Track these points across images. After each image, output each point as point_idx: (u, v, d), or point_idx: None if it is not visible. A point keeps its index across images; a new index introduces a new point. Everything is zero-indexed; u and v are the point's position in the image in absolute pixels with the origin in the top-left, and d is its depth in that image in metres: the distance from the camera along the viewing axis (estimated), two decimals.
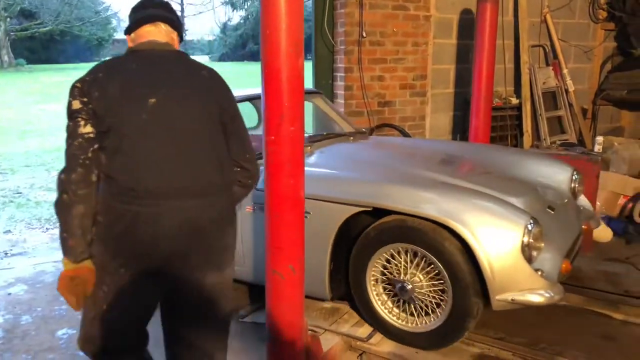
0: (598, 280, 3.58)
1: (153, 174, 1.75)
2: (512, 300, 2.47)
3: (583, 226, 3.17)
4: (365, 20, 4.82)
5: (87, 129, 1.72)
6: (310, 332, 2.63)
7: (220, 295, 1.95)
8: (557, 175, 3.30)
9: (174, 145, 1.78)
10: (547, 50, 5.64)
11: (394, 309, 2.81)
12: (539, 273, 2.50)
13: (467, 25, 5.17)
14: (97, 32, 35.80)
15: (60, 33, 33.83)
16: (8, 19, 33.49)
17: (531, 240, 2.48)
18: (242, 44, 31.81)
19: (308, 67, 5.37)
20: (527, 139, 5.32)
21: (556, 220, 2.86)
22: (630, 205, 4.58)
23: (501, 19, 5.27)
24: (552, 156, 3.68)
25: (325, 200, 2.78)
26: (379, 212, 2.74)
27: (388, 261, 2.77)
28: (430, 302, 2.69)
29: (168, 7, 1.95)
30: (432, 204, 2.57)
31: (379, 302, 2.83)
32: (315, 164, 3.18)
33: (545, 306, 2.55)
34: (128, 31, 1.90)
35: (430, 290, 2.68)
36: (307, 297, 2.95)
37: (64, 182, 1.71)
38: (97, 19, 35.62)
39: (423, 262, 2.67)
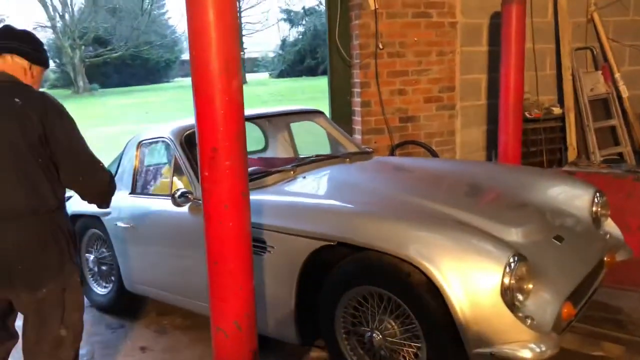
0: None
1: None
2: (492, 354, 2.02)
3: (606, 258, 2.64)
4: (383, 30, 4.45)
5: None
6: None
7: (36, 314, 2.01)
8: (576, 198, 2.81)
9: None
10: (595, 52, 5.01)
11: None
12: (528, 321, 2.03)
13: (499, 30, 4.67)
14: (164, 54, 37.24)
15: (130, 57, 35.49)
16: (83, 47, 35.60)
17: (513, 281, 2.03)
18: (300, 60, 31.91)
19: (324, 84, 5.07)
20: (572, 154, 4.72)
21: (563, 253, 2.40)
22: None
23: (538, 21, 4.75)
24: (575, 176, 3.19)
25: (288, 233, 2.44)
26: (355, 247, 2.34)
27: (357, 308, 2.38)
28: (407, 353, 2.28)
29: (9, 35, 2.05)
30: (397, 239, 2.18)
31: (351, 353, 2.45)
32: (292, 191, 2.85)
33: None
34: None
35: (404, 341, 2.28)
36: (277, 339, 2.67)
37: None
38: (163, 41, 37.09)
39: (394, 308, 2.27)
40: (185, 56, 46.96)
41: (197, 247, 2.72)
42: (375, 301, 2.32)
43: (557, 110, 4.86)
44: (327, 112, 4.82)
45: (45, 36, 38.20)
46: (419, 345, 2.23)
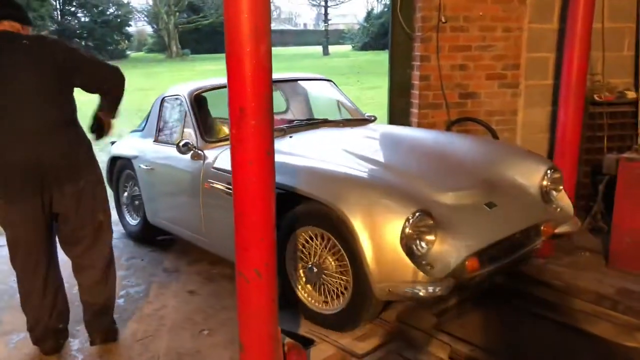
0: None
1: None
2: (389, 290, 2.49)
3: (542, 227, 2.97)
4: (447, 3, 4.39)
5: None
6: (289, 341, 2.46)
7: (78, 204, 2.59)
8: (529, 171, 3.17)
9: (14, 104, 2.43)
10: None
11: (309, 288, 2.93)
12: (427, 267, 2.46)
13: None
14: None
15: (220, 25, 36.35)
16: (177, 13, 36.98)
17: (410, 231, 2.46)
18: (384, 32, 31.40)
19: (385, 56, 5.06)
20: None
21: (487, 217, 2.77)
22: None
23: None
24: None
25: None
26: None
27: (304, 244, 2.88)
28: (339, 285, 2.76)
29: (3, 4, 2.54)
30: (332, 192, 2.65)
31: (296, 280, 2.96)
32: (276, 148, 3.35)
33: None
34: None
35: (338, 274, 2.75)
36: None
37: None
38: None
39: (332, 246, 2.73)
40: (273, 26, 47.72)
41: (194, 189, 3.41)
42: (318, 241, 2.80)
43: (631, 95, 4.59)
44: (386, 86, 4.86)
45: (144, 1, 39.88)
46: (347, 279, 2.68)
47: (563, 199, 3.20)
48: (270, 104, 2.07)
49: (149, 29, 44.01)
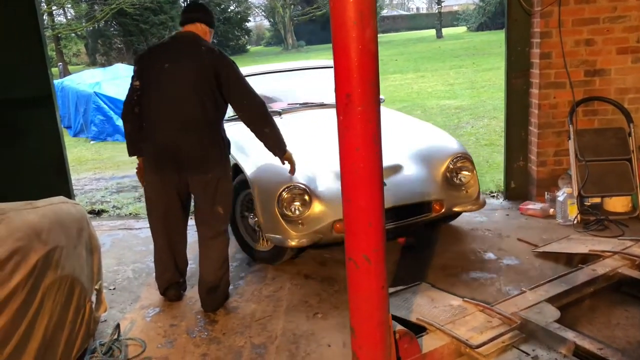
0: None
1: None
2: (269, 240, 3.54)
3: (433, 204, 3.55)
4: None
5: (136, 82, 3.01)
6: (401, 328, 2.44)
7: (204, 192, 3.07)
8: (437, 157, 3.66)
9: (173, 96, 2.94)
10: None
11: (253, 234, 3.83)
12: (299, 226, 3.35)
13: None
14: None
15: None
16: (292, 6, 37.94)
17: (283, 198, 3.36)
18: (502, 11, 29.78)
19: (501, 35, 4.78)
20: None
21: None
22: None
23: None
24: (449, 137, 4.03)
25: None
26: None
27: (250, 202, 3.69)
28: None
29: (197, 9, 3.11)
30: (249, 166, 3.64)
31: (243, 228, 3.89)
32: None
33: None
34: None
35: None
36: None
37: (122, 113, 3.10)
38: None
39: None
40: (385, 12, 47.22)
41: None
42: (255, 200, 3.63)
43: None
44: (503, 65, 4.63)
45: None
46: None
47: (470, 183, 3.66)
48: (377, 89, 2.05)
49: (266, 23, 45.71)
